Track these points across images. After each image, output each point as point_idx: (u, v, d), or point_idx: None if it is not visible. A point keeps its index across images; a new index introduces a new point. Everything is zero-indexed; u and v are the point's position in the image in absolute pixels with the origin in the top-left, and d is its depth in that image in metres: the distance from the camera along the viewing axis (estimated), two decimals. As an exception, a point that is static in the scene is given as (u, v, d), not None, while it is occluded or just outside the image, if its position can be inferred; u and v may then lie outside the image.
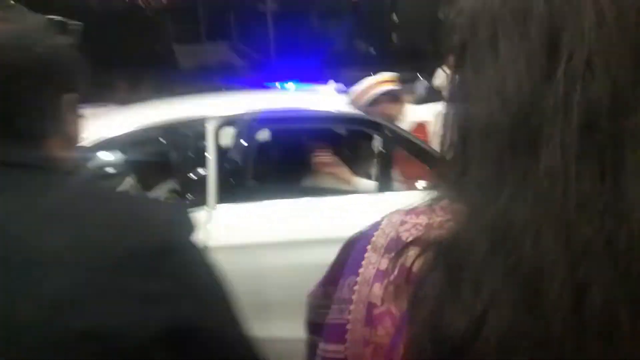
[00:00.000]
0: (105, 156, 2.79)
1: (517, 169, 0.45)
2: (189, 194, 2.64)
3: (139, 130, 2.68)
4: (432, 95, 8.48)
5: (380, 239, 0.53)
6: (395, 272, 0.49)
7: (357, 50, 20.93)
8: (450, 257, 0.47)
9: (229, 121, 2.74)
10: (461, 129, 0.50)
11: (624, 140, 0.43)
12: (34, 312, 0.62)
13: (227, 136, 2.78)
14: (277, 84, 10.35)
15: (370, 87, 3.07)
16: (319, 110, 3.11)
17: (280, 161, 3.34)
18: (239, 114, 2.75)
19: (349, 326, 0.52)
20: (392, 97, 3.18)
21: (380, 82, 3.16)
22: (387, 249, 0.52)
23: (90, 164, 2.67)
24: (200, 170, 2.70)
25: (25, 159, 0.70)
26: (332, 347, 0.53)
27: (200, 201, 2.52)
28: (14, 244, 0.64)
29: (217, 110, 2.77)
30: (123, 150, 2.86)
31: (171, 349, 0.66)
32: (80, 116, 0.80)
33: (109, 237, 0.67)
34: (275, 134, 3.27)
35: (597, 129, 0.43)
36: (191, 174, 2.74)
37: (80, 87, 0.78)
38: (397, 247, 0.50)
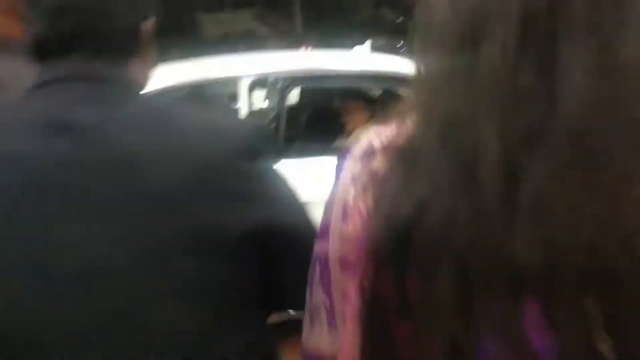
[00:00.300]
0: None
1: (464, 66, 0.50)
2: None
3: (169, 88, 2.64)
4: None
5: (358, 149, 0.59)
6: (364, 175, 0.56)
7: (384, 18, 20.60)
8: (407, 156, 0.53)
9: (261, 80, 2.68)
10: (422, 36, 0.55)
11: (560, 35, 0.47)
12: (142, 210, 0.67)
13: (259, 96, 2.73)
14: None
15: None
16: (352, 69, 3.02)
17: (312, 121, 3.27)
18: (271, 73, 2.69)
19: (330, 224, 0.58)
20: None
21: None
22: (361, 157, 0.58)
23: None
24: None
25: (115, 75, 0.76)
26: (320, 244, 0.60)
27: None
28: (114, 147, 0.69)
29: (249, 69, 2.71)
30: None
31: (259, 245, 0.70)
32: (155, 42, 0.85)
33: (201, 141, 0.71)
34: (307, 94, 3.20)
35: (535, 24, 0.47)
36: None
37: (155, 14, 0.84)
38: (368, 154, 0.57)
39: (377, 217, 0.52)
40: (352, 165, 0.57)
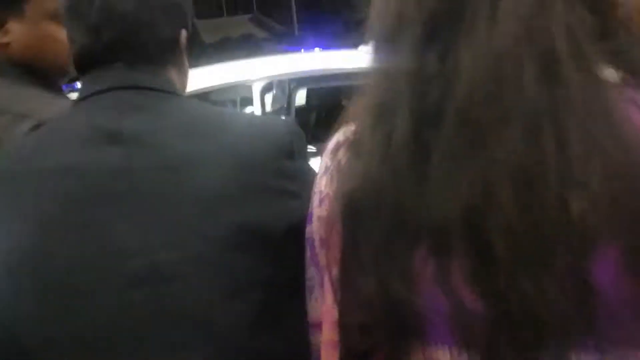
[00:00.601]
0: None
1: (386, 62, 0.60)
2: None
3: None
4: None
5: (330, 144, 0.67)
6: (332, 166, 0.64)
7: None
8: (354, 145, 0.61)
9: (273, 82, 2.70)
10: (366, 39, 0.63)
11: (456, 29, 0.54)
12: (193, 212, 0.69)
13: (270, 99, 2.76)
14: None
15: None
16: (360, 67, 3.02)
17: (321, 121, 3.28)
18: (282, 75, 2.71)
19: (313, 211, 0.67)
20: None
21: None
22: (331, 151, 0.66)
23: None
24: None
25: (157, 83, 0.79)
26: (307, 228, 0.68)
27: None
28: (163, 153, 0.71)
29: (260, 72, 2.74)
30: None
31: (301, 242, 0.72)
32: (187, 51, 0.89)
33: (244, 143, 0.75)
34: (315, 94, 3.21)
35: (439, 24, 0.56)
36: None
37: (189, 25, 0.88)
38: (336, 148, 0.65)
39: (335, 198, 0.60)
40: (325, 159, 0.67)
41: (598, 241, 0.49)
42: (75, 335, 0.69)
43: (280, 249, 0.72)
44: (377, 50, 0.62)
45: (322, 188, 0.66)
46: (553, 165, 0.49)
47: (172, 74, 0.83)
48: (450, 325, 0.54)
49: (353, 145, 0.61)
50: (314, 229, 0.66)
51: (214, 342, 0.71)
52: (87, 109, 0.77)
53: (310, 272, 0.68)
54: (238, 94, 2.83)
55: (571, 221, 0.48)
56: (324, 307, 0.65)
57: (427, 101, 0.54)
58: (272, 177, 0.74)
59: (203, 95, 2.82)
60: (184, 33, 0.84)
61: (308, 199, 0.74)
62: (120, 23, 0.77)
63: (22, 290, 0.69)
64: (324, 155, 0.67)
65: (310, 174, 0.79)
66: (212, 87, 2.79)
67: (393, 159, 0.55)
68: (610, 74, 0.54)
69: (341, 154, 0.63)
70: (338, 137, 0.66)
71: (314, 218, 0.66)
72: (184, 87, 0.87)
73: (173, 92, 0.81)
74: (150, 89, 0.77)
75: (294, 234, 0.72)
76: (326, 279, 0.63)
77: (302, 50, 10.50)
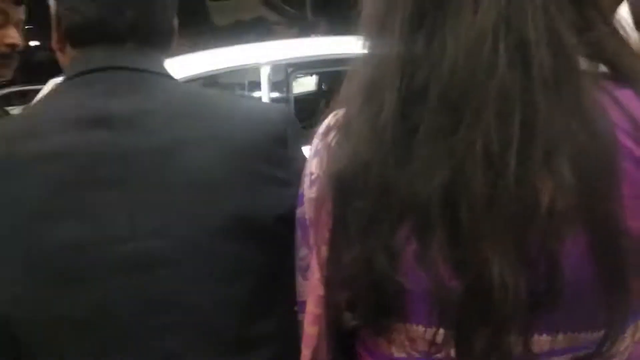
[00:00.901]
0: None
1: (377, 47, 0.64)
2: None
3: (187, 79, 2.67)
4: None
5: (320, 128, 0.70)
6: (322, 148, 0.67)
7: None
8: (344, 126, 0.65)
9: (280, 67, 2.70)
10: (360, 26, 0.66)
11: (443, 13, 0.57)
12: (183, 197, 0.69)
13: (279, 83, 2.76)
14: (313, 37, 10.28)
15: None
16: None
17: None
18: (291, 59, 2.72)
19: (303, 192, 0.70)
20: None
21: None
22: (321, 134, 0.69)
23: None
24: None
25: (152, 67, 0.80)
26: (299, 209, 0.71)
27: None
28: (152, 137, 0.71)
29: (269, 56, 2.74)
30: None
31: (291, 227, 0.74)
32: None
33: (236, 129, 0.74)
34: (324, 79, 3.21)
35: (427, 9, 0.58)
36: None
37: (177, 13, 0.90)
38: (326, 131, 0.68)
39: (325, 177, 0.63)
40: (316, 142, 0.69)
41: (565, 224, 0.51)
42: (65, 319, 0.69)
43: (270, 236, 0.73)
44: (367, 34, 0.64)
45: (313, 170, 0.68)
46: (517, 150, 0.51)
47: (164, 60, 0.83)
48: (428, 303, 0.57)
49: (343, 127, 0.63)
50: (305, 209, 0.68)
51: (203, 327, 0.72)
52: (77, 90, 0.75)
53: (302, 251, 0.70)
54: (246, 78, 2.81)
55: (539, 204, 0.50)
56: (310, 283, 0.67)
57: (414, 83, 0.57)
58: (264, 165, 0.73)
59: (211, 78, 2.79)
60: (175, 21, 0.86)
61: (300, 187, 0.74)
62: (135, 4, 0.77)
63: (13, 274, 0.69)
64: (314, 137, 0.69)
65: (303, 163, 0.78)
66: (219, 70, 2.79)
67: (380, 139, 0.57)
68: (589, 66, 0.56)
69: (331, 136, 0.65)
70: (329, 120, 0.69)
71: (305, 199, 0.68)
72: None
73: (167, 76, 0.81)
74: (146, 71, 0.77)
75: (285, 222, 0.73)
76: (314, 257, 0.65)
77: (313, 35, 10.49)
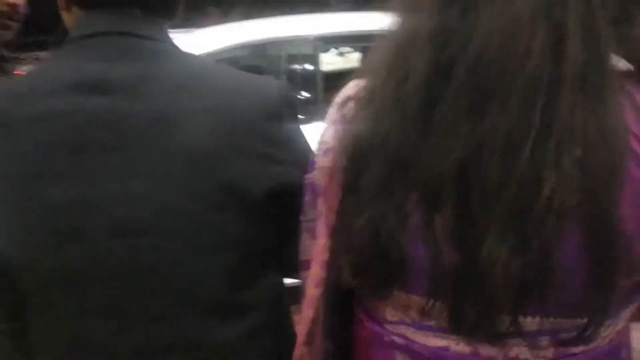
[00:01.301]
0: None
1: (409, 22, 0.64)
2: None
3: (229, 49, 2.66)
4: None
5: (337, 98, 0.70)
6: (339, 119, 0.67)
7: None
8: (365, 97, 0.65)
9: (329, 39, 2.67)
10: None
11: None
12: (175, 166, 0.70)
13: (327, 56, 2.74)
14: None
15: None
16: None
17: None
18: (338, 32, 2.67)
19: (315, 159, 0.71)
20: None
21: None
22: (338, 105, 0.69)
23: None
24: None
25: (157, 34, 0.78)
26: (309, 175, 0.72)
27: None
28: (150, 105, 0.71)
29: (313, 29, 2.70)
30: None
31: (280, 206, 0.76)
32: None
33: (232, 103, 0.74)
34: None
35: None
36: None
37: None
38: (343, 102, 0.68)
39: (341, 147, 0.64)
40: (332, 112, 0.69)
41: (562, 218, 0.52)
42: (57, 273, 0.72)
43: (258, 211, 0.74)
44: (401, 8, 0.64)
45: (327, 139, 0.68)
46: (534, 141, 0.52)
47: (168, 28, 0.82)
48: (425, 274, 0.59)
49: (364, 97, 0.64)
50: (315, 176, 0.70)
51: (188, 294, 0.74)
52: (78, 53, 0.75)
53: (311, 214, 0.71)
54: (295, 49, 2.78)
55: (539, 195, 0.52)
56: (315, 247, 0.69)
57: (443, 55, 0.57)
58: (257, 141, 0.74)
59: (259, 47, 2.78)
60: None
61: (292, 164, 0.76)
62: None
63: (13, 229, 0.71)
64: (331, 107, 0.69)
65: (297, 140, 0.80)
66: (255, 41, 2.76)
67: (403, 108, 0.58)
68: (623, 63, 0.56)
69: (348, 107, 0.66)
70: (346, 91, 0.69)
71: (317, 166, 0.69)
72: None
73: (171, 45, 0.80)
74: (148, 38, 0.76)
75: (273, 199, 0.74)
76: (322, 222, 0.67)
77: None
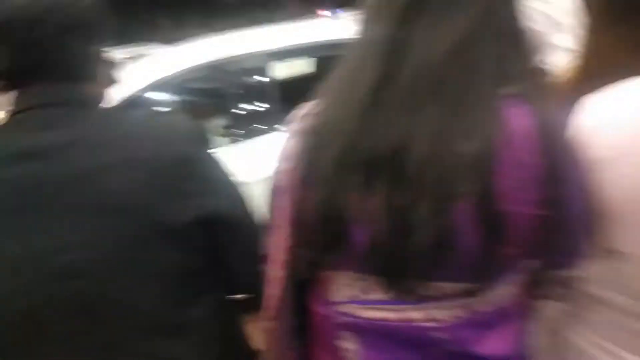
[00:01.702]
0: (158, 96, 2.84)
1: (364, 35, 0.76)
2: (238, 129, 2.71)
3: (188, 71, 2.67)
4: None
5: (299, 112, 0.81)
6: (299, 129, 0.77)
7: None
8: (321, 102, 0.77)
9: (282, 53, 2.69)
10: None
11: (421, 12, 0.70)
12: (105, 214, 0.80)
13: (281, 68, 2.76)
14: (328, 12, 10.18)
15: None
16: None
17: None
18: (287, 47, 2.68)
19: (279, 166, 0.80)
20: None
21: None
22: (300, 117, 0.79)
23: (145, 104, 2.71)
24: (248, 105, 2.76)
25: (74, 99, 0.86)
26: (273, 181, 0.82)
27: (250, 134, 2.62)
28: (77, 165, 0.81)
29: (270, 43, 2.71)
30: (175, 90, 2.90)
31: (206, 234, 0.86)
32: (108, 62, 0.96)
33: (148, 152, 0.84)
34: (326, 62, 3.16)
35: (410, 7, 0.71)
36: (240, 109, 2.78)
37: (104, 39, 0.94)
38: (304, 114, 0.79)
39: (302, 152, 0.75)
40: (294, 124, 0.79)
41: (459, 196, 0.65)
42: (15, 318, 0.82)
43: (184, 239, 0.84)
44: (363, 22, 0.75)
45: (288, 147, 0.78)
46: (447, 135, 0.66)
47: (89, 86, 0.89)
48: (363, 251, 0.70)
49: (320, 105, 0.75)
50: (281, 178, 0.79)
51: (133, 319, 0.84)
52: (13, 126, 0.87)
53: (272, 212, 0.82)
54: (250, 65, 2.77)
55: (453, 179, 0.65)
56: (279, 236, 0.79)
57: (390, 65, 0.70)
58: (170, 181, 0.83)
59: (213, 68, 2.76)
60: (97, 49, 0.91)
61: (210, 194, 0.86)
62: (38, 47, 0.84)
63: None
64: (292, 121, 0.80)
65: (213, 173, 0.90)
66: (212, 61, 2.75)
67: (353, 105, 0.70)
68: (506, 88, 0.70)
69: (306, 120, 0.76)
70: (304, 108, 0.79)
71: (281, 171, 0.79)
72: (103, 95, 0.95)
73: (90, 105, 0.89)
74: (69, 105, 0.86)
75: (196, 226, 0.84)
76: (284, 217, 0.78)
77: (328, 11, 10.34)
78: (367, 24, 0.74)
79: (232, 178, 0.93)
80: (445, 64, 0.67)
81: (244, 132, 2.68)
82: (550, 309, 0.83)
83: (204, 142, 0.92)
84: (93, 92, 0.91)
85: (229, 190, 0.91)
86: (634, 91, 0.76)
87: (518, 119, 0.67)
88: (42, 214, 0.80)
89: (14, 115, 0.87)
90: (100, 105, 0.93)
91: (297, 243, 0.77)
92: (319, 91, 0.78)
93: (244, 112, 2.77)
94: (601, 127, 0.74)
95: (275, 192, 0.81)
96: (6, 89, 0.87)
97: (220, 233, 0.87)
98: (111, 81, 0.97)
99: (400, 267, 0.69)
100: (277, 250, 0.80)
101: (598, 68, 0.95)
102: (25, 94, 0.86)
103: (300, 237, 0.76)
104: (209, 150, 0.92)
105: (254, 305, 0.87)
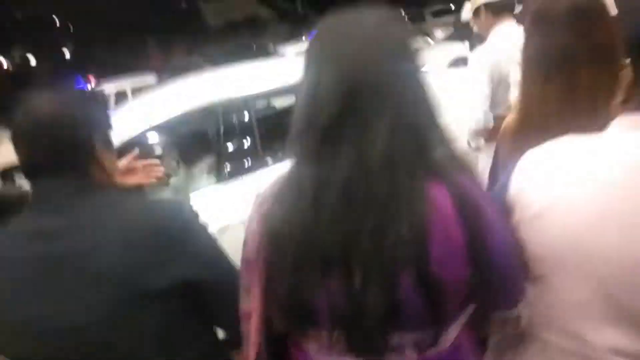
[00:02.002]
0: (150, 139, 2.89)
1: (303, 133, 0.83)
2: (226, 167, 2.73)
3: (177, 117, 2.69)
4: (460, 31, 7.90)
5: (258, 197, 0.89)
6: (258, 213, 0.87)
7: None
8: (277, 191, 0.85)
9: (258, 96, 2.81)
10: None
11: (342, 138, 0.79)
12: (97, 285, 0.98)
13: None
14: (304, 36, 10.42)
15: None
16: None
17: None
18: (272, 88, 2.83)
19: (248, 237, 0.89)
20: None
21: None
22: (258, 204, 0.88)
23: (138, 147, 2.55)
24: (234, 144, 2.83)
25: (78, 186, 1.04)
26: (244, 251, 0.90)
27: (237, 172, 2.67)
28: (74, 245, 0.99)
29: (243, 89, 2.80)
30: (166, 133, 2.95)
31: (189, 295, 1.01)
32: (112, 151, 1.12)
33: (133, 230, 1.01)
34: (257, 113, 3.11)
35: (351, 109, 0.78)
36: (227, 149, 2.82)
37: (105, 135, 1.11)
38: (261, 201, 0.88)
39: (261, 235, 0.85)
40: (254, 208, 0.88)
41: (402, 273, 0.76)
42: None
43: (166, 300, 1.00)
44: (294, 138, 0.84)
45: (251, 227, 0.88)
46: (380, 228, 0.77)
47: (93, 170, 1.07)
48: (328, 317, 0.82)
49: (276, 198, 0.85)
50: (247, 253, 0.89)
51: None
52: (29, 212, 1.06)
53: (244, 280, 0.92)
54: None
55: (387, 251, 0.77)
56: (252, 304, 0.90)
57: (320, 180, 0.80)
58: (151, 252, 0.99)
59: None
60: (98, 136, 1.07)
61: (187, 259, 1.00)
62: (44, 144, 1.02)
63: None
64: (253, 205, 0.90)
65: (190, 238, 1.03)
66: (195, 107, 2.75)
67: (301, 209, 0.80)
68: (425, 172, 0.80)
69: (265, 206, 0.86)
70: (262, 192, 0.89)
71: (249, 245, 0.88)
72: (107, 175, 1.11)
73: (94, 189, 1.06)
74: (73, 192, 1.04)
75: (178, 291, 1.00)
76: (255, 287, 0.89)
77: (304, 36, 10.33)
78: (298, 140, 0.82)
79: (213, 242, 1.07)
80: (372, 168, 0.77)
81: (231, 171, 2.70)
82: (494, 344, 0.99)
83: (184, 213, 1.06)
84: (97, 175, 1.07)
85: (208, 255, 1.05)
86: (553, 153, 0.88)
87: (440, 198, 0.77)
88: (43, 285, 0.99)
89: (29, 206, 1.07)
90: (106, 183, 1.10)
91: (268, 312, 0.87)
92: (268, 189, 0.87)
93: (231, 152, 2.80)
94: (525, 189, 0.86)
95: (245, 262, 0.90)
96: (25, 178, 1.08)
97: (201, 293, 1.02)
98: (115, 167, 1.15)
99: (359, 336, 0.81)
100: (253, 314, 0.91)
101: (534, 117, 1.15)
102: (36, 185, 1.06)
103: (270, 308, 0.86)
104: (191, 220, 1.06)
105: (240, 342, 0.98)
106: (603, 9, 1.16)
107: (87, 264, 0.98)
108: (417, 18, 15.23)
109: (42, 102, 1.04)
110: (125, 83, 8.02)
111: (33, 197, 1.06)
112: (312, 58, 0.83)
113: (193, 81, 3.09)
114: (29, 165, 1.05)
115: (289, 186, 0.84)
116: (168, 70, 3.93)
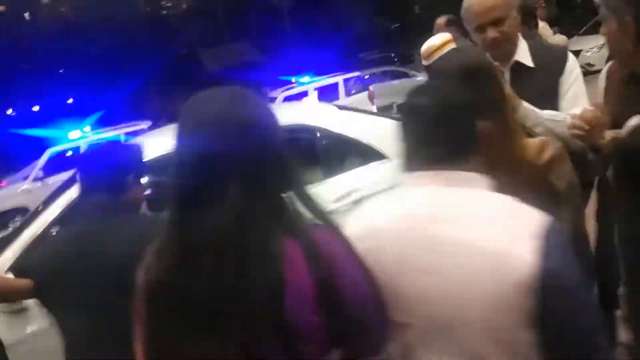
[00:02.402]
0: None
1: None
2: None
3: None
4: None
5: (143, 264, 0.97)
6: (141, 269, 0.96)
7: (378, 29, 20.42)
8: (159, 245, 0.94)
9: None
10: None
11: (204, 202, 0.87)
12: (110, 277, 1.43)
13: None
14: (293, 79, 10.70)
15: (442, 44, 2.67)
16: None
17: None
18: None
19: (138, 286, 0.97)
20: None
21: (446, 41, 2.69)
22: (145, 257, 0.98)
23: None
24: None
25: (109, 208, 1.56)
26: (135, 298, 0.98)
27: None
28: (100, 247, 1.50)
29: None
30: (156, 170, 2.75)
31: None
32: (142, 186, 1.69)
33: (134, 235, 1.34)
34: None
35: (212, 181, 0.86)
36: None
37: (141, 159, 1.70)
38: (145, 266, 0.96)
39: (140, 291, 0.94)
40: (145, 262, 0.95)
41: (262, 326, 0.83)
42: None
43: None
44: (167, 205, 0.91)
45: (140, 277, 0.95)
46: (235, 286, 0.83)
47: (125, 196, 1.62)
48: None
49: (152, 261, 0.94)
50: (139, 291, 0.95)
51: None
52: (73, 220, 1.72)
53: (135, 327, 0.97)
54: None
55: (243, 321, 0.84)
56: (138, 347, 0.96)
57: (183, 241, 0.87)
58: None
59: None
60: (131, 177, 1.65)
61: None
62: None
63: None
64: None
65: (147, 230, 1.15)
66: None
67: (166, 271, 0.88)
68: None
69: (147, 261, 0.95)
70: (147, 259, 0.96)
71: (139, 287, 0.95)
72: (136, 201, 1.68)
73: (119, 210, 1.58)
74: (106, 211, 1.57)
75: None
76: (140, 331, 0.95)
77: (293, 78, 10.81)
78: (169, 202, 0.88)
79: None
80: (228, 229, 0.83)
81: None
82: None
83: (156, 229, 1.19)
84: (128, 199, 1.58)
85: None
86: (382, 202, 1.03)
87: (292, 252, 0.84)
88: (80, 276, 1.47)
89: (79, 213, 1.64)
90: (134, 205, 1.61)
91: (147, 353, 0.93)
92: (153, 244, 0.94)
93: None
94: (360, 233, 0.95)
95: (135, 313, 0.95)
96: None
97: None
98: (142, 191, 1.66)
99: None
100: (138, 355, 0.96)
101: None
102: (84, 198, 1.60)
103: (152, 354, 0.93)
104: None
105: None
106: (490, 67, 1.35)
107: (99, 262, 1.48)
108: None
109: None
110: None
111: (81, 209, 1.67)
112: (177, 131, 0.90)
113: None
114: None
115: (161, 243, 0.92)
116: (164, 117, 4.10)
